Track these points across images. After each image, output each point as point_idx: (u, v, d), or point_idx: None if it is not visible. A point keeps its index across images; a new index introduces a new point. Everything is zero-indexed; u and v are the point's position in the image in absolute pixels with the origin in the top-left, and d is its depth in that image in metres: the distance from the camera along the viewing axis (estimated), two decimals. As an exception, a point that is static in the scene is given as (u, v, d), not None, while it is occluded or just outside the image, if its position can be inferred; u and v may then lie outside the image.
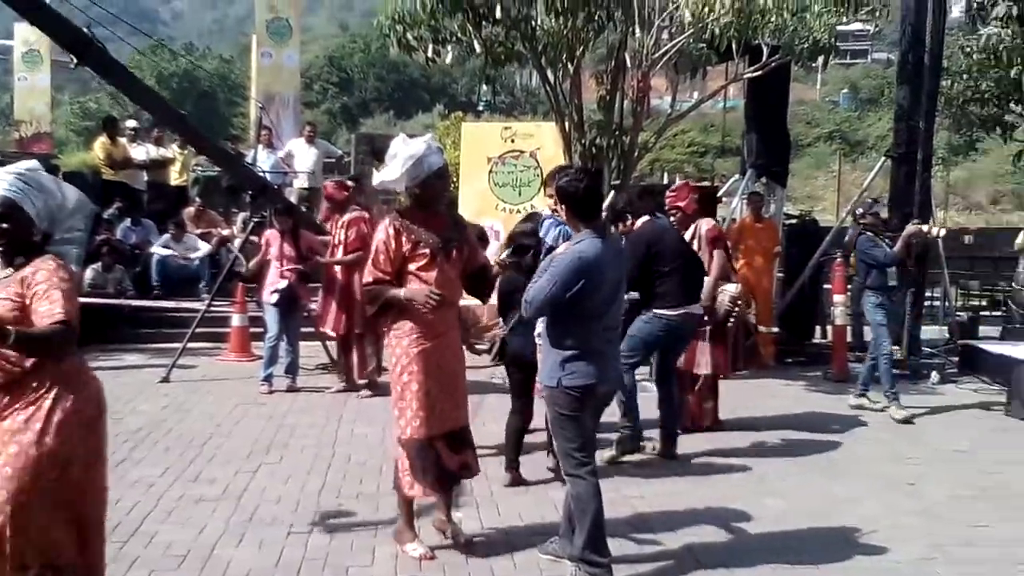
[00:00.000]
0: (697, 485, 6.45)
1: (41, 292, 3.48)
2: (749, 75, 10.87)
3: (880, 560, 5.12)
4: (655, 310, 6.96)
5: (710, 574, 4.85)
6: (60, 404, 3.53)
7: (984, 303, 16.68)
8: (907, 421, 8.56)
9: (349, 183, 9.76)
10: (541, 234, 6.14)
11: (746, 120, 12.87)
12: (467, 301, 5.56)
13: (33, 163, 3.80)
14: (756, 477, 6.73)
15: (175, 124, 10.86)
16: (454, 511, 5.36)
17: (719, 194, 14.14)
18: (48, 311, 3.43)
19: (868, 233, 9.04)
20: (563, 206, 4.67)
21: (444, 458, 4.99)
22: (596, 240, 4.55)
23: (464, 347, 5.46)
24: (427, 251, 4.92)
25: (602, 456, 6.79)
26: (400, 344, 4.97)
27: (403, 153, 4.95)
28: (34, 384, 3.52)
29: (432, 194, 5.02)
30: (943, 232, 10.34)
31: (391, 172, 4.97)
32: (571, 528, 4.69)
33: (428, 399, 4.90)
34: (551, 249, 5.34)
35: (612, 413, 5.16)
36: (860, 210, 9.65)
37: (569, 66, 10.35)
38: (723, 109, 15.71)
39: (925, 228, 9.71)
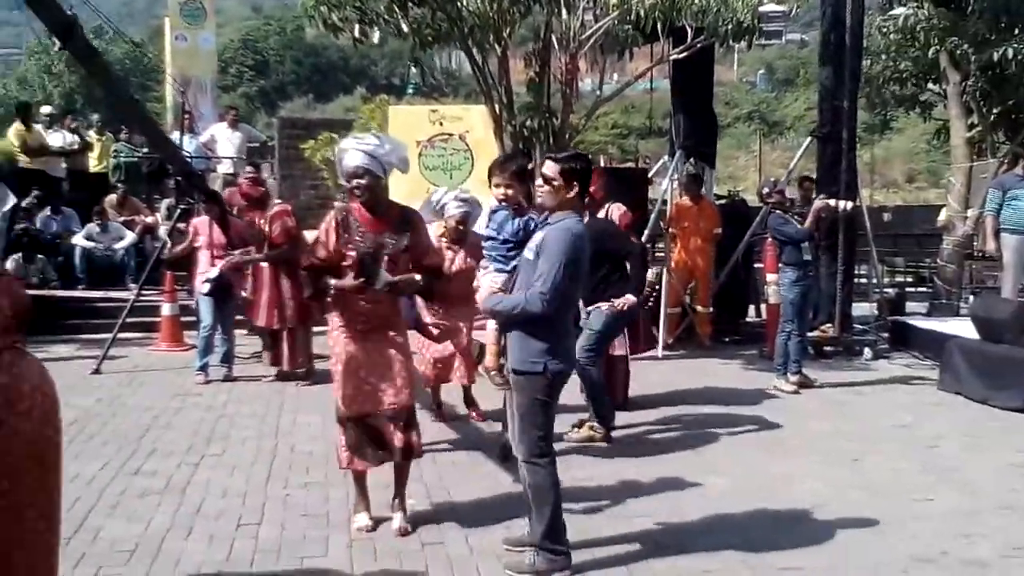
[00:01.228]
0: (643, 465, 6.47)
1: None
2: (675, 56, 10.93)
3: (829, 535, 5.18)
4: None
5: (668, 556, 4.84)
6: None
7: (910, 279, 17.08)
8: (795, 391, 8.90)
9: (251, 173, 9.65)
10: (490, 227, 5.89)
11: (673, 102, 12.95)
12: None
13: None
14: (699, 455, 6.81)
15: (131, 112, 10.50)
16: (408, 500, 5.34)
17: (649, 175, 14.24)
18: None
19: (777, 211, 9.22)
20: (570, 184, 4.46)
21: (386, 435, 5.15)
22: (579, 222, 4.51)
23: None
24: (353, 254, 4.99)
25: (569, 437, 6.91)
26: (331, 334, 5.21)
27: (338, 148, 5.18)
28: None
29: (358, 194, 5.04)
30: (849, 206, 10.57)
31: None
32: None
33: (352, 380, 5.10)
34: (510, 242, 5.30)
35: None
36: (765, 189, 9.82)
37: (496, 48, 10.31)
38: (649, 90, 15.79)
39: (832, 203, 9.92)
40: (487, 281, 5.59)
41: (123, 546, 4.90)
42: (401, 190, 11.85)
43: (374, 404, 5.13)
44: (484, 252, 5.95)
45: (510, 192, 5.59)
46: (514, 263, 4.64)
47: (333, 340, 5.20)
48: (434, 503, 5.63)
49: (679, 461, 6.63)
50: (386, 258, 5.01)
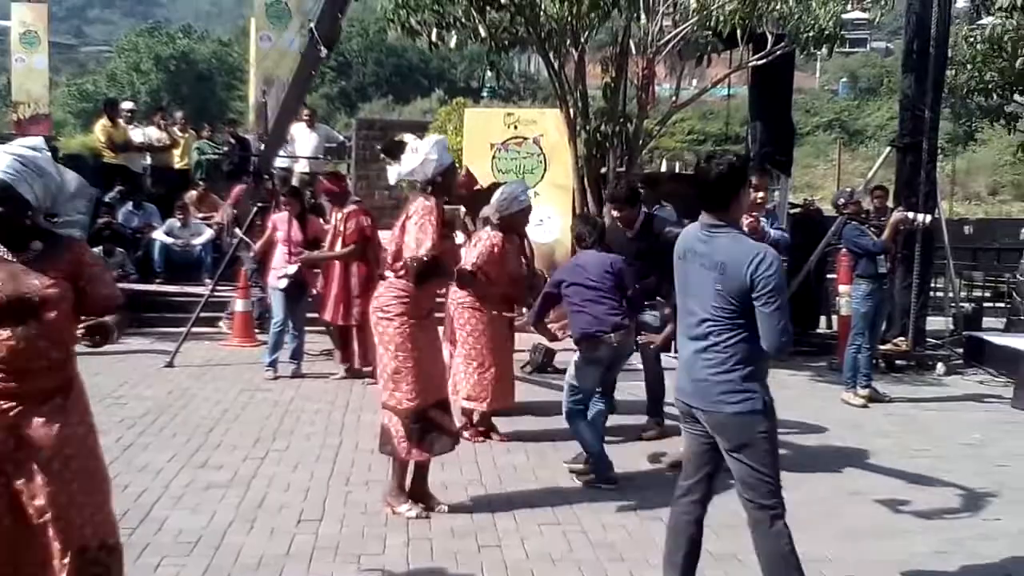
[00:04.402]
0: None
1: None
2: (754, 63, 10.82)
3: (896, 554, 5.10)
4: None
5: (721, 569, 4.81)
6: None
7: (988, 294, 16.65)
8: (864, 405, 8.77)
9: (342, 174, 9.78)
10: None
11: (750, 109, 12.81)
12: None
13: (38, 141, 3.65)
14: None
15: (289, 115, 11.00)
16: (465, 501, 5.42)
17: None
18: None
19: (853, 222, 9.06)
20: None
21: (444, 424, 5.48)
22: None
23: None
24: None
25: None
26: (392, 324, 5.32)
27: (424, 147, 5.35)
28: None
29: (450, 184, 5.60)
30: (928, 219, 10.30)
31: (414, 161, 5.32)
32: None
33: (422, 372, 5.34)
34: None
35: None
36: (841, 200, 9.65)
37: (573, 52, 10.32)
38: (727, 96, 15.60)
39: (910, 215, 9.74)
40: None
41: (186, 537, 5.00)
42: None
43: (438, 393, 5.49)
44: None
45: None
46: None
47: (395, 331, 5.31)
48: (494, 507, 5.64)
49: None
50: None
